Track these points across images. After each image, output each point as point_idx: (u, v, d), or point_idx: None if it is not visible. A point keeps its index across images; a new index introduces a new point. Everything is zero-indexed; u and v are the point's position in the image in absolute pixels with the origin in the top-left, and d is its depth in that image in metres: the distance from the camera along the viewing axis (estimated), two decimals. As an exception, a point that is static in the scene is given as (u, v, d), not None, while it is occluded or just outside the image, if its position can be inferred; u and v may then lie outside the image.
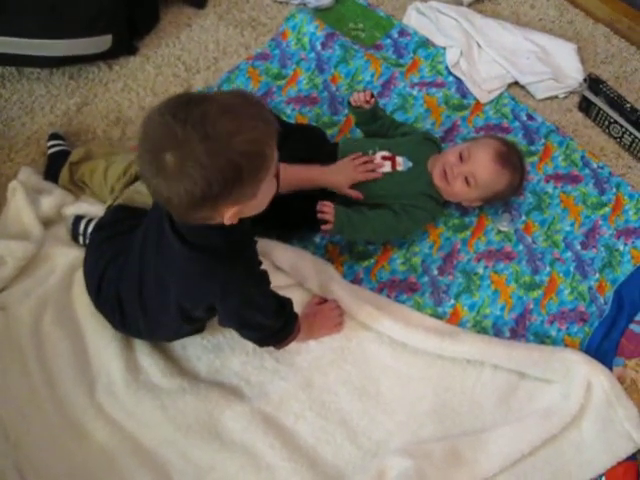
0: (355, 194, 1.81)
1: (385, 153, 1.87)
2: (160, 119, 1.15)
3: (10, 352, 1.68)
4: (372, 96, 1.90)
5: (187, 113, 1.13)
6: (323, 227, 1.73)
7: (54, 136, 2.02)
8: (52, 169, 1.95)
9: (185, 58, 2.23)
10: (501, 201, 1.96)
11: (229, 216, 1.24)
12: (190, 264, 1.37)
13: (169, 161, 1.13)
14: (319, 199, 1.75)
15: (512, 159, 1.85)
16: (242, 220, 1.30)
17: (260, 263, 1.48)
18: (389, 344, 1.73)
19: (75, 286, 1.77)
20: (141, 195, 1.70)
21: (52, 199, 1.87)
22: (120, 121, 2.10)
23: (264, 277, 1.47)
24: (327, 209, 1.72)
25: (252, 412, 1.63)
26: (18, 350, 1.68)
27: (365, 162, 1.84)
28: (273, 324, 1.53)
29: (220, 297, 1.40)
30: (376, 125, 1.96)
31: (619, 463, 1.61)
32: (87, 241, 1.79)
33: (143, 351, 1.69)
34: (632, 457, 1.62)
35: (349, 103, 1.92)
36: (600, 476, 1.61)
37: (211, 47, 2.25)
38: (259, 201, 1.28)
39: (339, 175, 1.81)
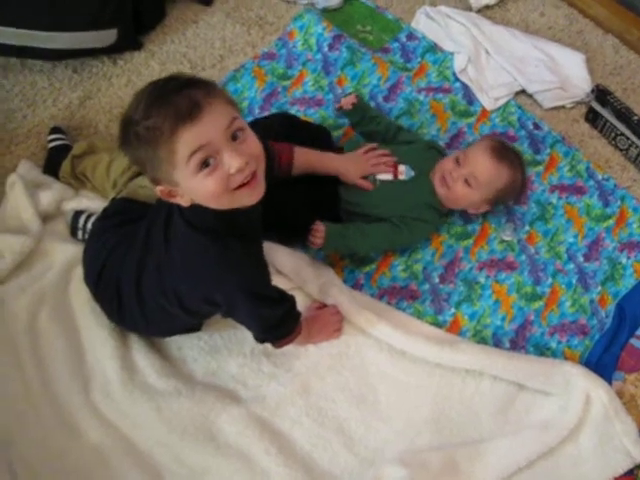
0: (365, 184, 1.81)
1: None
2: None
3: (5, 347, 1.66)
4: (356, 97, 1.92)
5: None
6: (313, 244, 1.75)
7: (55, 130, 2.01)
8: (52, 163, 1.93)
9: (190, 55, 2.21)
10: (505, 201, 1.94)
11: (181, 200, 1.29)
12: (189, 245, 1.37)
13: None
14: (321, 207, 1.77)
15: (508, 154, 1.84)
16: (251, 207, 1.30)
17: (263, 255, 1.47)
18: (388, 351, 1.72)
19: (72, 283, 1.75)
20: (145, 189, 1.68)
21: (51, 193, 1.85)
22: (123, 117, 2.07)
23: (265, 265, 1.46)
24: (317, 233, 1.74)
25: (248, 416, 1.62)
26: (13, 346, 1.67)
27: (378, 155, 1.85)
28: (274, 313, 1.50)
29: (217, 280, 1.39)
30: (371, 126, 1.94)
31: (616, 478, 1.60)
32: (86, 236, 1.78)
33: (139, 351, 1.68)
34: (629, 472, 1.61)
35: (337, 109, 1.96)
36: (597, 491, 1.60)
37: (217, 45, 2.24)
38: (191, 191, 1.27)
39: (351, 164, 1.82)
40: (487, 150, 1.82)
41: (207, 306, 1.50)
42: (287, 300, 1.55)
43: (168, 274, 1.44)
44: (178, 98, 1.17)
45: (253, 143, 1.26)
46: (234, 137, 1.22)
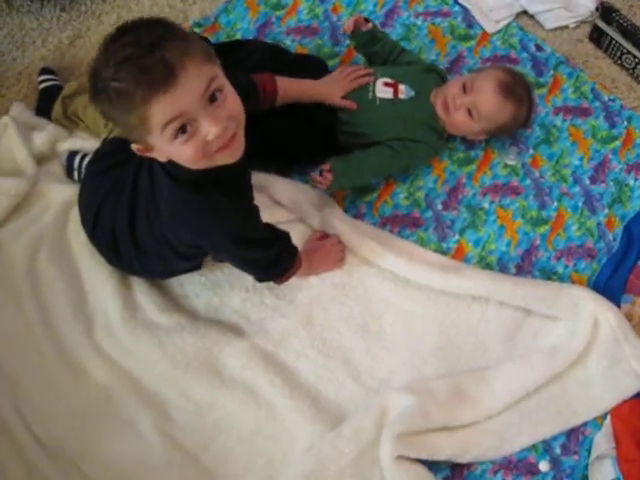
0: (348, 104, 1.78)
1: (387, 79, 1.82)
2: None
3: (5, 291, 1.66)
4: (366, 20, 1.86)
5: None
6: (319, 184, 1.73)
7: (45, 70, 1.97)
8: (44, 104, 1.90)
9: (181, -12, 2.15)
10: (507, 134, 1.91)
11: (154, 154, 1.24)
12: (171, 196, 1.34)
13: None
14: (319, 132, 1.75)
15: (517, 91, 1.80)
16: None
17: (252, 198, 1.45)
18: (392, 280, 1.71)
19: (70, 224, 1.74)
20: None
21: (45, 135, 1.83)
22: (114, 55, 2.03)
23: (253, 211, 1.43)
24: (324, 180, 1.71)
25: (252, 349, 1.61)
26: (13, 289, 1.66)
27: (354, 69, 1.83)
28: (266, 255, 1.49)
29: (202, 230, 1.37)
30: (377, 47, 1.89)
31: (625, 401, 1.60)
32: (82, 176, 1.75)
33: (140, 289, 1.67)
34: (638, 395, 1.60)
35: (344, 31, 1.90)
36: (605, 414, 1.60)
37: (208, -24, 2.17)
38: (167, 154, 1.23)
39: (331, 85, 1.80)
40: (494, 84, 1.77)
41: (197, 250, 1.49)
42: (279, 239, 1.52)
43: (157, 221, 1.42)
44: (150, 61, 1.08)
45: (232, 103, 1.19)
46: (212, 99, 1.15)
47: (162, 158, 1.25)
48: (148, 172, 1.40)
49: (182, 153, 1.18)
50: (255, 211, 1.43)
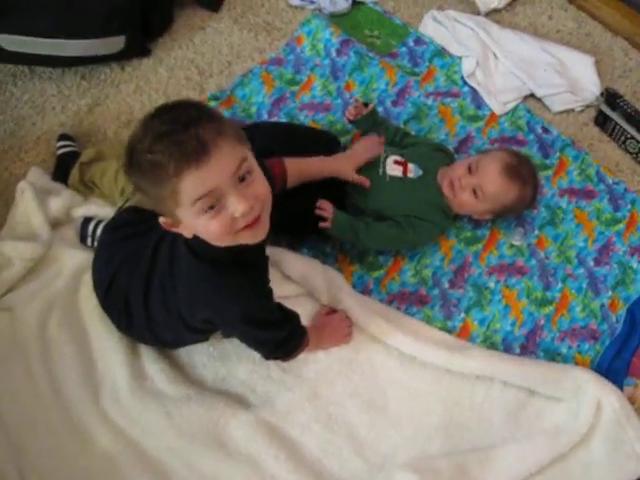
0: (362, 180, 1.79)
1: (398, 158, 1.86)
2: None
3: (15, 354, 1.67)
4: (365, 104, 1.92)
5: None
6: (321, 224, 1.72)
7: (64, 137, 2.01)
8: (61, 170, 1.94)
9: (198, 61, 2.21)
10: (512, 214, 1.94)
11: (181, 229, 1.27)
12: (191, 271, 1.36)
13: None
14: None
15: (522, 172, 1.83)
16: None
17: (268, 280, 1.47)
18: (398, 357, 1.72)
19: (82, 289, 1.75)
20: None
21: (61, 200, 1.86)
22: (131, 123, 2.08)
23: (268, 294, 1.45)
24: (325, 206, 1.72)
25: (257, 422, 1.62)
26: (23, 352, 1.67)
27: (368, 139, 1.85)
28: (276, 336, 1.51)
29: (217, 308, 1.39)
30: (380, 132, 1.94)
31: (627, 484, 1.59)
32: (95, 243, 1.78)
33: (149, 358, 1.68)
34: (640, 479, 1.60)
35: (348, 120, 1.94)
36: (608, 496, 1.59)
37: (225, 51, 2.24)
38: (194, 228, 1.25)
39: (342, 160, 1.81)
40: (499, 166, 1.80)
41: (209, 325, 1.51)
42: (290, 320, 1.54)
43: (171, 293, 1.44)
44: (185, 137, 1.12)
45: (260, 185, 1.23)
46: (241, 179, 1.19)
47: (188, 234, 1.28)
48: (170, 246, 1.43)
49: (209, 228, 1.21)
50: (269, 293, 1.45)
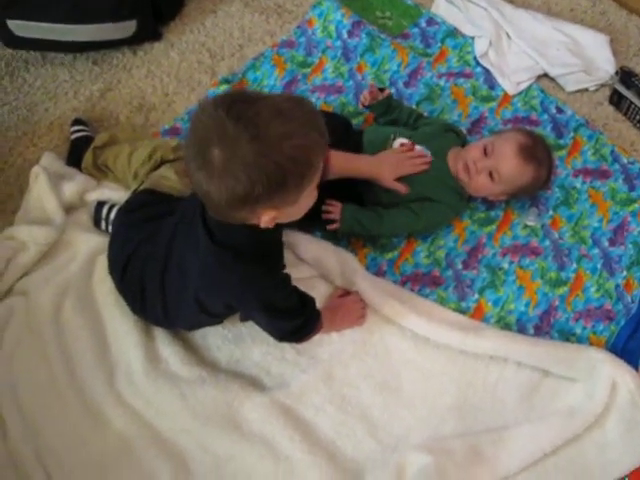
0: (401, 187, 1.78)
1: (404, 140, 1.85)
2: (213, 112, 1.14)
3: (30, 338, 1.69)
4: (381, 89, 1.92)
5: (240, 110, 1.13)
6: (329, 227, 1.74)
7: (77, 121, 2.02)
8: (75, 154, 1.94)
9: (210, 45, 2.21)
10: (527, 195, 1.93)
11: (266, 220, 1.25)
12: (212, 259, 1.37)
13: (216, 156, 1.13)
14: (340, 191, 1.75)
15: (537, 153, 1.82)
16: (277, 225, 1.30)
17: (284, 267, 1.48)
18: (411, 338, 1.72)
19: (96, 273, 1.76)
20: (168, 180, 1.70)
21: (74, 185, 1.87)
22: (143, 107, 2.09)
23: (286, 281, 1.46)
24: (333, 208, 1.73)
25: (272, 403, 1.62)
26: (38, 336, 1.69)
27: (411, 156, 1.81)
28: (292, 323, 1.52)
29: (237, 296, 1.41)
30: (394, 115, 1.94)
31: (642, 465, 1.58)
32: (109, 227, 1.79)
33: (163, 340, 1.68)
34: (656, 459, 1.59)
35: (363, 105, 1.94)
36: (623, 477, 1.58)
37: (236, 34, 2.23)
38: (298, 209, 1.28)
39: (384, 167, 1.78)
40: (515, 147, 1.79)
41: (227, 310, 1.52)
42: (306, 306, 1.54)
43: (189, 278, 1.45)
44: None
45: None
46: None
47: (268, 223, 1.27)
48: (189, 231, 1.43)
49: (309, 203, 1.30)
50: (287, 280, 1.46)
